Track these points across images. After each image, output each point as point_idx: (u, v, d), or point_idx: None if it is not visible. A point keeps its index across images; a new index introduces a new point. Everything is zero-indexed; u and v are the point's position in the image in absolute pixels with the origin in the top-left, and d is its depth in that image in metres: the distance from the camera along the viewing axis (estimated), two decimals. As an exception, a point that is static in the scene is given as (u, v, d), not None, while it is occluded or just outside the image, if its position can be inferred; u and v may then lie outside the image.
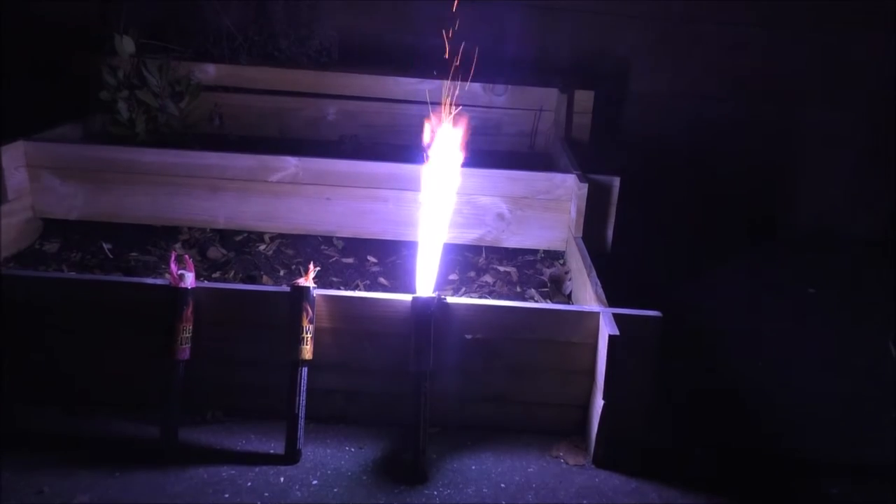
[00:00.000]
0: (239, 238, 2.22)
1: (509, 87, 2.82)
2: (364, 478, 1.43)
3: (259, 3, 2.85)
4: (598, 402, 1.48)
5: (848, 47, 2.97)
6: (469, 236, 2.21)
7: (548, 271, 2.16)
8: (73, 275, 1.90)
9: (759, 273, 2.67)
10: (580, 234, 2.10)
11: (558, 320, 1.55)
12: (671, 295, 2.35)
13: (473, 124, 1.65)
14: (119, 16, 2.44)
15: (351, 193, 2.17)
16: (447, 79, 2.01)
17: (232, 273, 2.03)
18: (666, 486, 1.47)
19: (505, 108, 2.84)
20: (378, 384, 1.57)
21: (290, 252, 2.18)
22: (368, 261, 2.18)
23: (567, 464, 1.52)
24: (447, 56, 2.05)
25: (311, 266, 1.57)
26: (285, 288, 1.52)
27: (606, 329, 1.46)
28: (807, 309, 2.39)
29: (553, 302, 1.99)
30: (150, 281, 1.57)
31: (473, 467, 1.48)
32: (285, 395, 1.46)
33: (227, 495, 1.35)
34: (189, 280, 1.49)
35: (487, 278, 2.12)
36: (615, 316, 1.50)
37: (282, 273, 2.06)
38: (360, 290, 2.00)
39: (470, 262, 2.22)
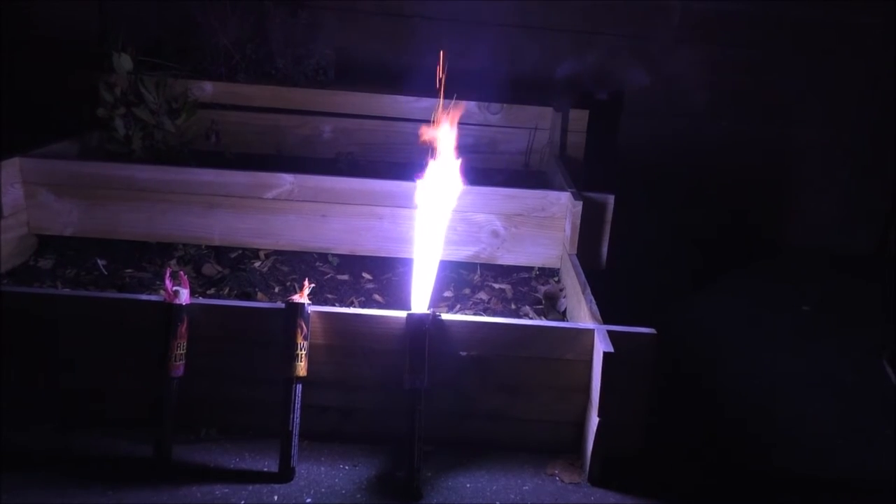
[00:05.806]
0: (234, 255, 2.22)
1: (504, 105, 2.84)
2: (358, 496, 1.42)
3: (257, 22, 2.87)
4: (594, 420, 1.48)
5: (842, 66, 3.01)
6: (464, 253, 2.22)
7: (542, 288, 2.16)
8: (67, 291, 1.90)
9: (755, 290, 2.68)
10: (575, 252, 2.11)
11: (553, 337, 1.55)
12: (666, 312, 2.35)
13: (469, 142, 1.66)
14: (117, 33, 2.45)
15: (346, 210, 2.18)
16: (442, 97, 2.02)
17: (227, 290, 2.03)
18: (661, 505, 1.47)
19: (500, 127, 2.86)
20: (372, 401, 1.57)
21: (285, 269, 2.18)
22: (363, 277, 2.18)
23: (562, 482, 1.51)
24: (443, 75, 2.06)
25: (306, 283, 1.58)
26: (280, 305, 1.52)
27: (601, 346, 1.46)
28: (801, 326, 2.39)
29: (548, 319, 1.99)
30: (144, 297, 1.57)
31: (468, 485, 1.48)
32: (279, 413, 1.45)
33: (220, 514, 1.35)
34: (184, 297, 1.49)
35: (482, 295, 2.13)
36: (610, 333, 1.50)
37: (276, 290, 2.06)
38: (354, 306, 2.00)
39: (465, 279, 2.22)
